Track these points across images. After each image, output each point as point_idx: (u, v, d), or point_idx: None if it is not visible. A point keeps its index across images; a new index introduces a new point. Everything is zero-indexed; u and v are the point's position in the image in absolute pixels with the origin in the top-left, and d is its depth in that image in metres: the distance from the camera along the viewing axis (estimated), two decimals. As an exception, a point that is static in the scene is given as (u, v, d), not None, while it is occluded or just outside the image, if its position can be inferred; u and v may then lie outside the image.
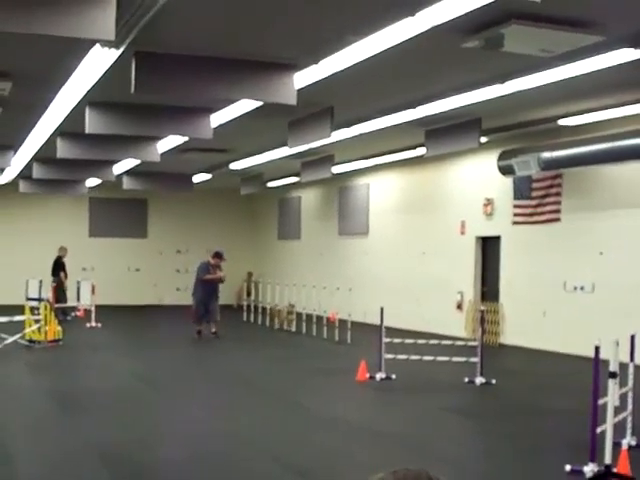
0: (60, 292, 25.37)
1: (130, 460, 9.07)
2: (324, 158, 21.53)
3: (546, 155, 16.55)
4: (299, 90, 11.47)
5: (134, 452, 9.38)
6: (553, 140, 16.76)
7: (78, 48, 10.41)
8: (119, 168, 23.49)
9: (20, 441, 10.01)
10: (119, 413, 11.68)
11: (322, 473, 8.63)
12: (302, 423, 11.33)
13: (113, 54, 10.53)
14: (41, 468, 8.78)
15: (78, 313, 26.34)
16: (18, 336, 18.71)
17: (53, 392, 13.23)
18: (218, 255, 21.63)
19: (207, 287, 21.18)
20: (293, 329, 22.13)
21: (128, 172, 24.79)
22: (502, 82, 12.69)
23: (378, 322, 14.87)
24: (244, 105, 14.19)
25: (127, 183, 25.57)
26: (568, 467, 8.24)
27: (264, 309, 25.16)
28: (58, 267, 26.03)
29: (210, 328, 21.12)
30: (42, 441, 10.07)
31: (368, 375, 14.37)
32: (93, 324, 23.62)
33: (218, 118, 15.24)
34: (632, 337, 9.40)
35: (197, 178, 26.91)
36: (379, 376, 14.29)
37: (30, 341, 18.96)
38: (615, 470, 8.00)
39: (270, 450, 9.56)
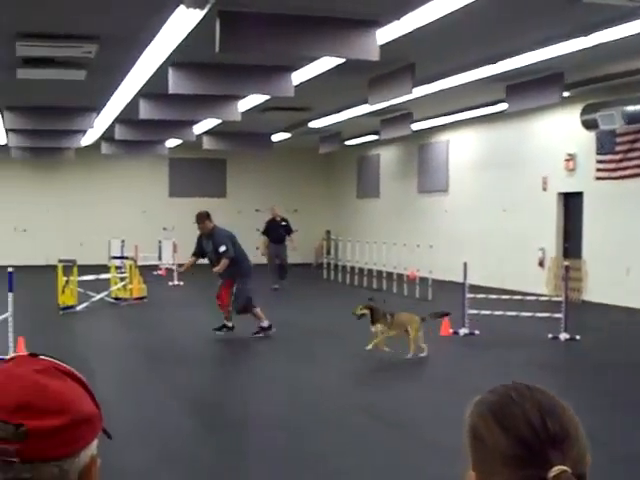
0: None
1: (220, 410, 9.29)
2: (403, 115, 21.46)
3: (630, 108, 16.28)
4: (380, 47, 11.46)
5: (224, 403, 9.60)
6: (638, 93, 16.45)
7: (163, 9, 10.54)
8: (199, 128, 23.71)
9: (117, 392, 10.30)
10: (208, 366, 11.93)
11: (413, 426, 8.71)
12: (390, 376, 11.46)
13: (197, 14, 10.63)
14: (135, 416, 9.05)
15: (160, 272, 26.82)
16: (104, 294, 19.13)
17: (142, 346, 13.56)
18: None
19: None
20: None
21: (208, 132, 25.02)
22: (586, 34, 12.45)
23: (459, 279, 14.89)
24: (325, 63, 14.21)
25: (207, 143, 25.84)
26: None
27: (344, 267, 25.26)
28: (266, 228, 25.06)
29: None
30: (136, 392, 10.37)
31: (451, 330, 14.41)
32: (175, 282, 24.01)
33: (299, 76, 15.29)
34: None
35: (276, 137, 27.02)
36: (462, 331, 14.33)
37: (116, 298, 19.38)
38: None
39: (360, 402, 9.70)
